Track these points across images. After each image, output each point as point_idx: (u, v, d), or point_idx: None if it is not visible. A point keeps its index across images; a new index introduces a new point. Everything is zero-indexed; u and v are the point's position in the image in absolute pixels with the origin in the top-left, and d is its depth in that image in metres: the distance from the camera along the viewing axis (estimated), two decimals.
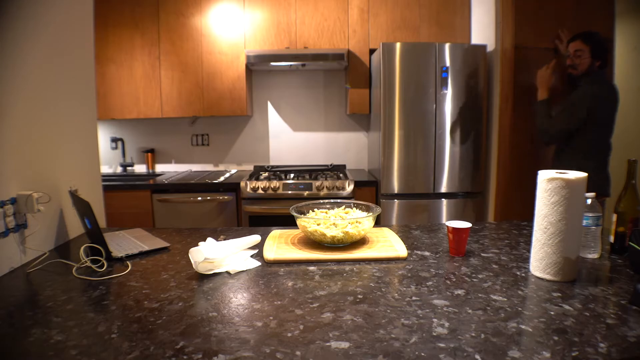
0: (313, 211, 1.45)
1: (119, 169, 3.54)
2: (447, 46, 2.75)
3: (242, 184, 2.85)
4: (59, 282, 1.06)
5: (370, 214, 1.33)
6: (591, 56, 2.11)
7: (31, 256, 1.24)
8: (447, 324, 0.81)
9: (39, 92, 1.32)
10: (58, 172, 1.43)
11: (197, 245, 1.18)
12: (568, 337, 0.75)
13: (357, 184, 2.88)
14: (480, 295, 0.95)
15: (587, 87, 2.12)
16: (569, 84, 2.30)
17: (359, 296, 0.95)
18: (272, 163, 3.53)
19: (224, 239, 1.29)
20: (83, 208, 1.28)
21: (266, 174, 3.16)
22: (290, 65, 3.14)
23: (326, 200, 1.52)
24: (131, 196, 2.90)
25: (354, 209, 1.46)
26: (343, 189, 2.83)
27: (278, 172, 3.22)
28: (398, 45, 2.74)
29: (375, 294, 0.96)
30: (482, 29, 3.00)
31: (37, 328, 0.82)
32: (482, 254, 1.24)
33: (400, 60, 2.74)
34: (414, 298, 0.94)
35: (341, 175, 3.12)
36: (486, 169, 2.98)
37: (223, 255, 1.14)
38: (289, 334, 0.78)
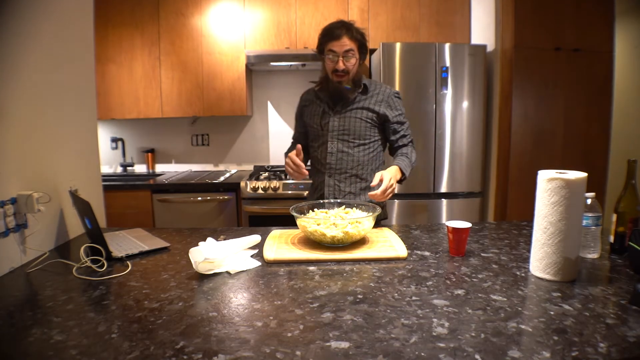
0: (313, 211, 1.45)
1: (119, 169, 3.54)
2: (447, 46, 2.75)
3: (242, 184, 2.84)
4: (59, 282, 1.06)
5: (370, 214, 1.33)
6: (358, 55, 1.62)
7: (31, 256, 1.24)
8: (447, 324, 0.81)
9: (39, 92, 1.32)
10: (58, 172, 1.43)
11: (197, 245, 1.18)
12: (568, 337, 0.75)
13: None
14: (480, 295, 0.95)
15: (380, 90, 1.68)
16: (337, 97, 1.65)
17: (359, 296, 0.95)
18: (272, 163, 3.53)
19: (224, 239, 1.29)
20: (83, 208, 1.28)
21: (266, 174, 3.16)
22: (290, 65, 3.14)
23: (326, 200, 1.52)
24: (131, 196, 2.89)
25: (354, 209, 1.46)
26: None
27: (278, 172, 3.22)
28: (398, 45, 2.74)
29: (375, 294, 0.96)
30: (482, 29, 3.01)
31: (37, 328, 0.82)
32: (482, 254, 1.23)
33: (400, 60, 2.74)
34: (414, 298, 0.94)
35: None
36: (486, 169, 2.98)
37: (223, 255, 1.14)
38: (289, 334, 0.78)
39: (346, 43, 1.56)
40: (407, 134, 1.71)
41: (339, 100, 1.66)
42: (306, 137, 1.81)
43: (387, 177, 1.45)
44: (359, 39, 1.60)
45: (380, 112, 1.65)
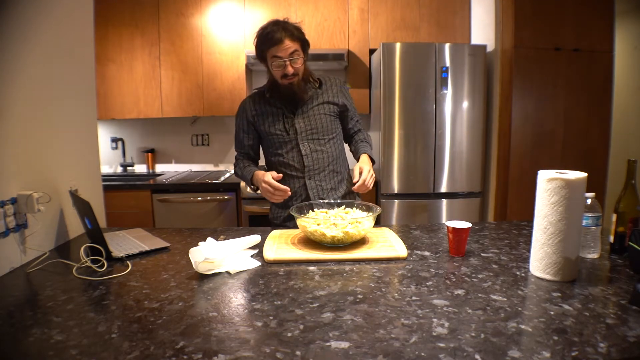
0: (313, 211, 1.45)
1: (119, 169, 3.54)
2: (447, 46, 2.75)
3: (242, 184, 2.84)
4: (59, 282, 1.06)
5: (370, 214, 1.33)
6: (302, 54, 1.56)
7: (31, 256, 1.24)
8: (447, 324, 0.81)
9: (39, 92, 1.32)
10: (58, 172, 1.43)
11: (197, 245, 1.18)
12: (568, 337, 0.75)
13: None
14: (480, 295, 0.95)
15: (332, 82, 1.69)
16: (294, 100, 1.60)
17: (359, 296, 0.95)
18: None
19: (224, 239, 1.29)
20: (83, 208, 1.28)
21: None
22: None
23: (326, 201, 1.52)
24: (131, 196, 2.90)
25: (354, 209, 1.46)
26: None
27: None
28: (398, 45, 2.74)
29: (375, 294, 0.96)
30: (482, 29, 3.01)
31: (37, 328, 0.82)
32: (482, 254, 1.23)
33: (400, 60, 2.74)
34: (414, 298, 0.94)
35: None
36: (486, 169, 2.98)
37: (223, 255, 1.14)
38: (289, 334, 0.78)
39: (289, 45, 1.48)
40: (359, 119, 1.79)
41: (296, 102, 1.61)
42: (258, 148, 1.73)
43: (366, 168, 1.51)
44: (299, 36, 1.52)
45: (340, 103, 1.67)
